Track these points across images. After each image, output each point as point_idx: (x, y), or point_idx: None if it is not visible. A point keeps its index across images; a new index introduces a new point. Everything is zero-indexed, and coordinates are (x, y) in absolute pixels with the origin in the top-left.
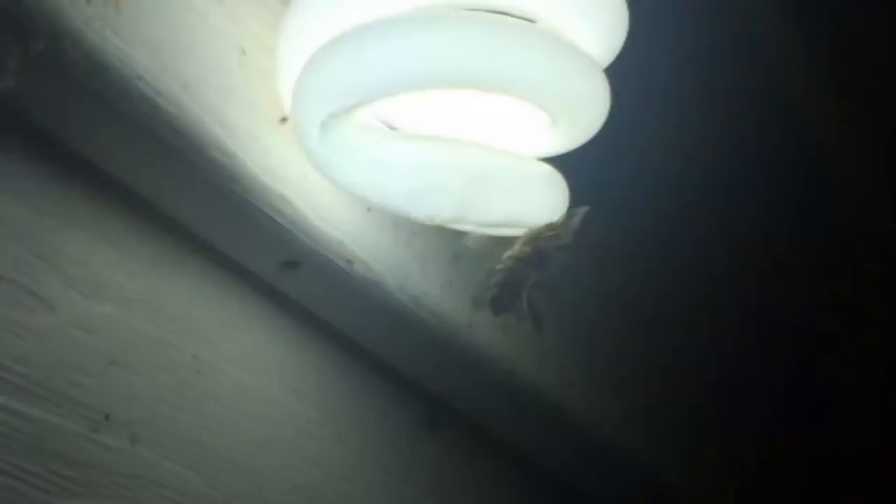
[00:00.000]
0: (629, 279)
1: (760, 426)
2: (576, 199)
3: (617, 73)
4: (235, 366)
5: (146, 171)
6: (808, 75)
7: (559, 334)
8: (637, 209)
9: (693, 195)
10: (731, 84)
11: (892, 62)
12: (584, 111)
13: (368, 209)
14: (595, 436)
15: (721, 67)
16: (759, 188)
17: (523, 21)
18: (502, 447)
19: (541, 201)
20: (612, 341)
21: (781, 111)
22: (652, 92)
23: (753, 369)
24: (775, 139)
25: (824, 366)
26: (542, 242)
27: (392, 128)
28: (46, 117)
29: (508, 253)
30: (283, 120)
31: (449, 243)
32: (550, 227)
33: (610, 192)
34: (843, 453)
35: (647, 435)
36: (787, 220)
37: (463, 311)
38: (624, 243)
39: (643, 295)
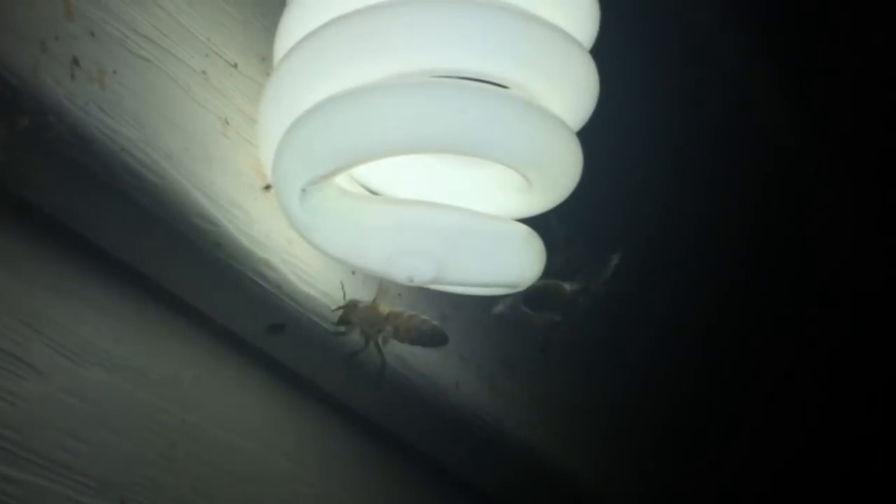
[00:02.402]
0: (618, 335)
1: (759, 485)
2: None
3: (588, 135)
4: (224, 428)
5: (131, 239)
6: (780, 113)
7: (549, 392)
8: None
9: (673, 252)
10: (704, 144)
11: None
12: (558, 174)
13: (353, 272)
14: (589, 494)
15: (693, 125)
16: (738, 240)
17: (496, 87)
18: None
19: (518, 261)
20: (605, 398)
21: (761, 169)
22: (625, 155)
23: (752, 425)
24: (753, 194)
25: (825, 420)
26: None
27: (371, 191)
28: (32, 189)
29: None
30: (267, 187)
31: (436, 303)
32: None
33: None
34: None
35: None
36: (771, 270)
37: (451, 371)
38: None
39: (632, 352)
